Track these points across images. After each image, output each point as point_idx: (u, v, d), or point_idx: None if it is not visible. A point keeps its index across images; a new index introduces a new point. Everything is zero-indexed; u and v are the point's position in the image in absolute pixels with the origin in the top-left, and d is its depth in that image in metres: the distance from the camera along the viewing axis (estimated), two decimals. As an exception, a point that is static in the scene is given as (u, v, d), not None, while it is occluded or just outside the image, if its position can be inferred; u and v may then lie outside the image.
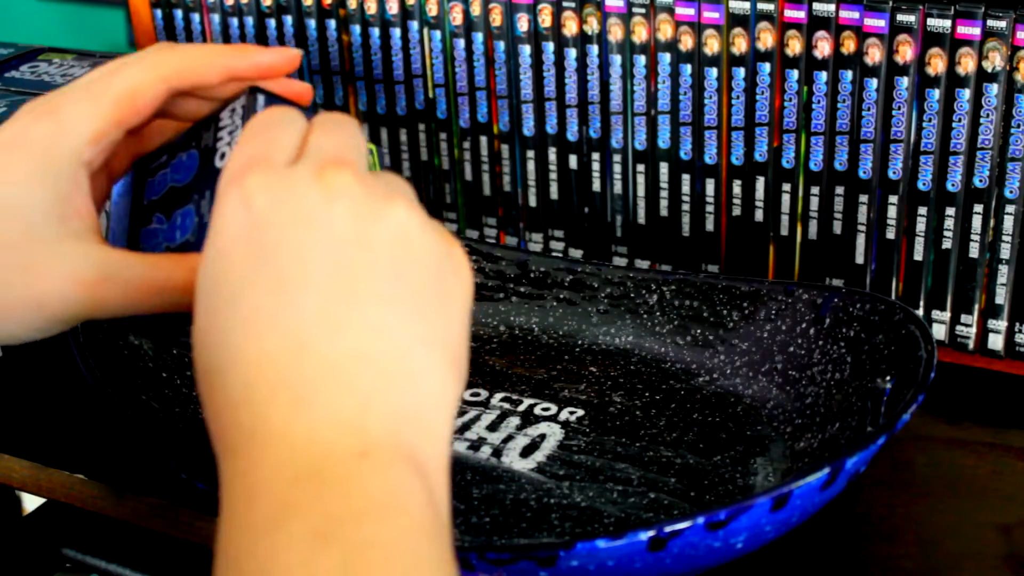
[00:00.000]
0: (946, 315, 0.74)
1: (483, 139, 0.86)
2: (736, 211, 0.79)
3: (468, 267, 0.43)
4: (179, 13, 0.93)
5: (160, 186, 0.52)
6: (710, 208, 0.79)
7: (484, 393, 0.71)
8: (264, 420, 0.37)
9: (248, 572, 0.34)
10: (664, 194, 0.81)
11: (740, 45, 0.74)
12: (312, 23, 0.88)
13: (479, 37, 0.82)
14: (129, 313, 0.48)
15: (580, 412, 0.69)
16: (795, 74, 0.73)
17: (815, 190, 0.76)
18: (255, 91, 0.51)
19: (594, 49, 0.79)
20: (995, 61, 0.68)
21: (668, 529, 0.51)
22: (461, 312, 0.42)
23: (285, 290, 0.39)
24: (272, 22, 0.90)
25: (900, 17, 0.69)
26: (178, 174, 0.51)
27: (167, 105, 0.52)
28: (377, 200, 0.41)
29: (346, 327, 0.38)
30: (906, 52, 0.70)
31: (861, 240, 0.75)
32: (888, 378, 0.63)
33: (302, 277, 0.39)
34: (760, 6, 0.73)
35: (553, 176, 0.84)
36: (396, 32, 0.85)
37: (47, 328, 0.48)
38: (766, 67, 0.74)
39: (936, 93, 0.70)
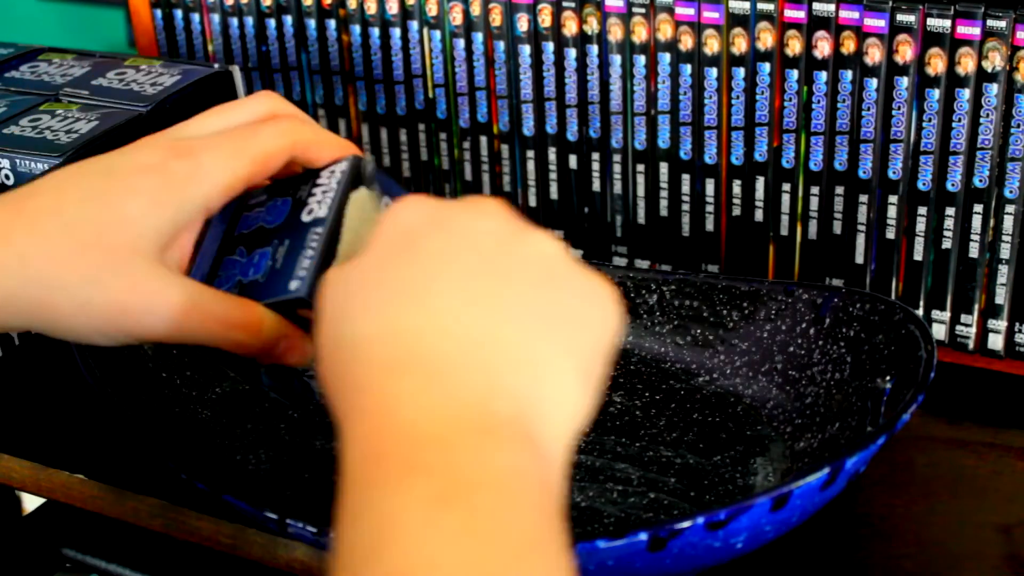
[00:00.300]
0: (946, 315, 0.74)
1: (483, 139, 0.86)
2: (736, 211, 0.79)
3: (616, 309, 0.44)
4: (179, 13, 0.93)
5: (252, 222, 0.54)
6: (710, 208, 0.79)
7: (484, 393, 0.70)
8: (396, 389, 0.39)
9: (369, 528, 0.36)
10: (664, 194, 0.81)
11: (740, 45, 0.74)
12: (312, 23, 0.88)
13: (479, 37, 0.82)
14: (196, 342, 0.51)
15: (580, 412, 0.69)
16: (795, 74, 0.73)
17: (815, 190, 0.76)
18: (359, 160, 0.54)
19: (594, 49, 0.79)
20: (995, 61, 0.68)
21: (668, 529, 0.51)
22: (599, 340, 0.43)
23: (427, 276, 0.42)
24: (272, 22, 0.90)
25: (900, 17, 0.69)
26: (270, 216, 0.54)
27: None
28: (525, 229, 0.44)
29: (483, 316, 0.41)
30: (906, 52, 0.70)
31: (861, 240, 0.75)
32: (888, 378, 0.63)
33: (444, 269, 0.42)
34: (760, 6, 0.73)
35: (553, 176, 0.84)
36: (396, 32, 0.85)
37: (117, 338, 0.50)
38: (766, 67, 0.74)
39: (936, 93, 0.70)
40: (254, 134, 0.53)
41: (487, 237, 0.43)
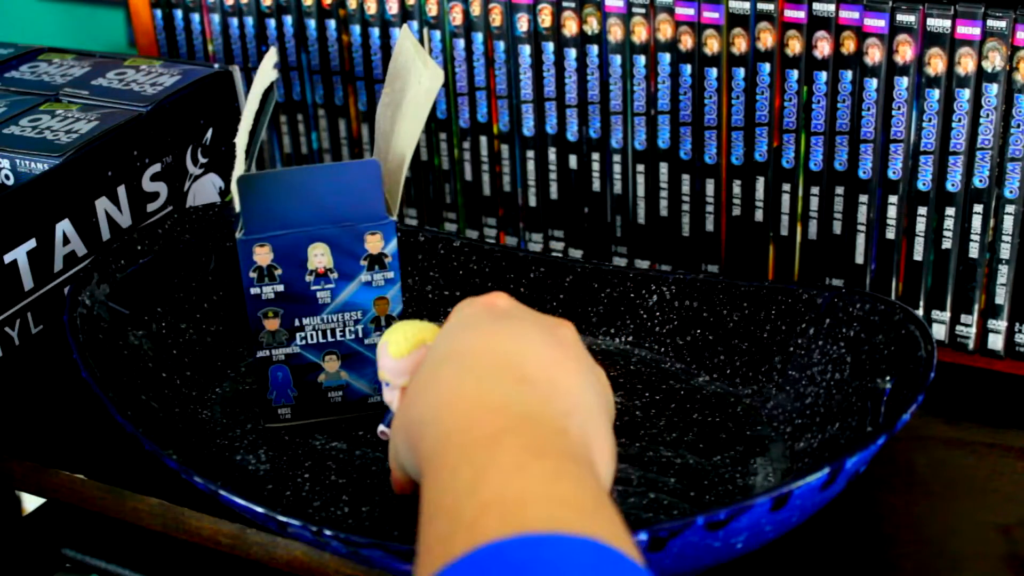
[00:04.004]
0: (946, 315, 0.74)
1: (483, 139, 0.86)
2: (736, 211, 0.79)
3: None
4: (179, 13, 0.93)
5: None
6: (710, 208, 0.79)
7: (484, 393, 0.70)
8: (489, 391, 0.48)
9: (464, 476, 0.42)
10: (664, 194, 0.81)
11: (740, 45, 0.74)
12: (312, 23, 0.88)
13: (479, 37, 0.82)
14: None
15: (580, 412, 0.69)
16: (795, 74, 0.73)
17: (815, 190, 0.76)
18: None
19: (594, 49, 0.79)
20: (995, 61, 0.68)
21: (668, 529, 0.51)
22: (611, 415, 0.55)
23: (513, 337, 0.52)
24: (272, 22, 0.90)
25: (900, 17, 0.69)
26: None
27: None
28: (591, 360, 0.55)
29: (551, 368, 0.51)
30: (906, 52, 0.70)
31: (861, 240, 0.75)
32: (888, 378, 0.63)
33: (526, 338, 0.52)
34: (760, 6, 0.73)
35: (553, 176, 0.84)
36: (396, 32, 0.85)
37: None
38: (766, 67, 0.74)
39: (936, 93, 0.70)
40: None
41: (569, 341, 0.54)
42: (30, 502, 0.88)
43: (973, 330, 0.74)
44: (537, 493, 0.40)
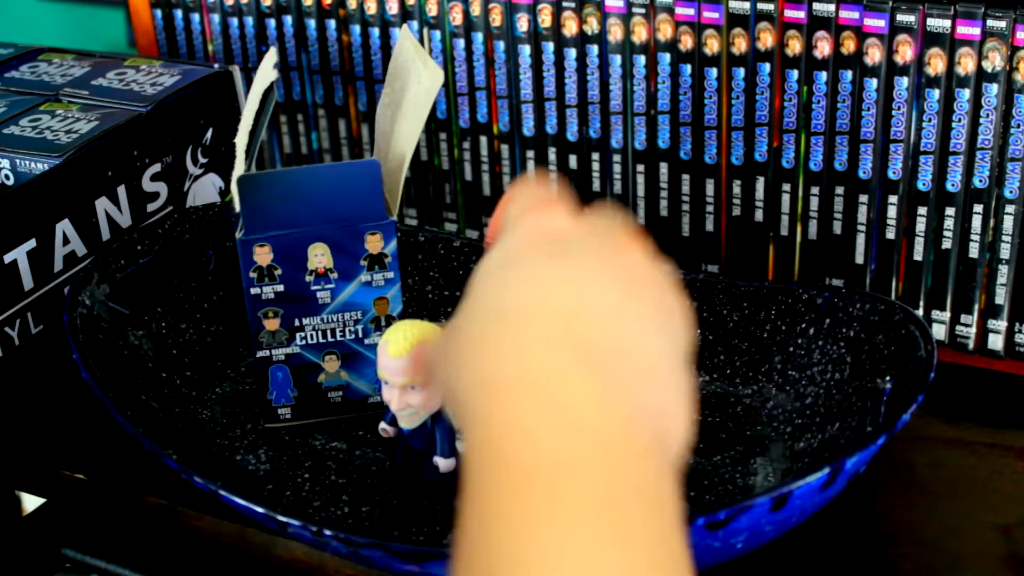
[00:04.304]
0: (946, 315, 0.74)
1: (483, 139, 0.86)
2: (736, 211, 0.79)
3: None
4: (179, 13, 0.93)
5: None
6: (710, 208, 0.79)
7: (484, 393, 0.70)
8: (545, 385, 0.38)
9: (511, 529, 0.34)
10: (664, 194, 0.81)
11: (740, 45, 0.74)
12: (312, 23, 0.88)
13: (479, 37, 0.82)
14: None
15: (580, 412, 0.68)
16: (795, 74, 0.73)
17: (815, 190, 0.76)
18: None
19: (594, 49, 0.79)
20: (995, 61, 0.68)
21: (668, 529, 0.51)
22: (685, 364, 0.46)
23: (570, 287, 0.42)
24: (272, 22, 0.90)
25: (900, 17, 0.69)
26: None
27: None
28: (660, 289, 0.46)
29: (616, 324, 0.42)
30: (906, 52, 0.70)
31: (861, 240, 0.75)
32: (888, 378, 0.63)
33: (593, 273, 0.43)
34: (760, 6, 0.73)
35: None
36: (396, 32, 0.85)
37: None
38: (766, 67, 0.74)
39: (936, 93, 0.70)
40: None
41: (636, 269, 0.45)
42: (30, 502, 0.88)
43: (973, 330, 0.74)
44: (591, 569, 0.34)
